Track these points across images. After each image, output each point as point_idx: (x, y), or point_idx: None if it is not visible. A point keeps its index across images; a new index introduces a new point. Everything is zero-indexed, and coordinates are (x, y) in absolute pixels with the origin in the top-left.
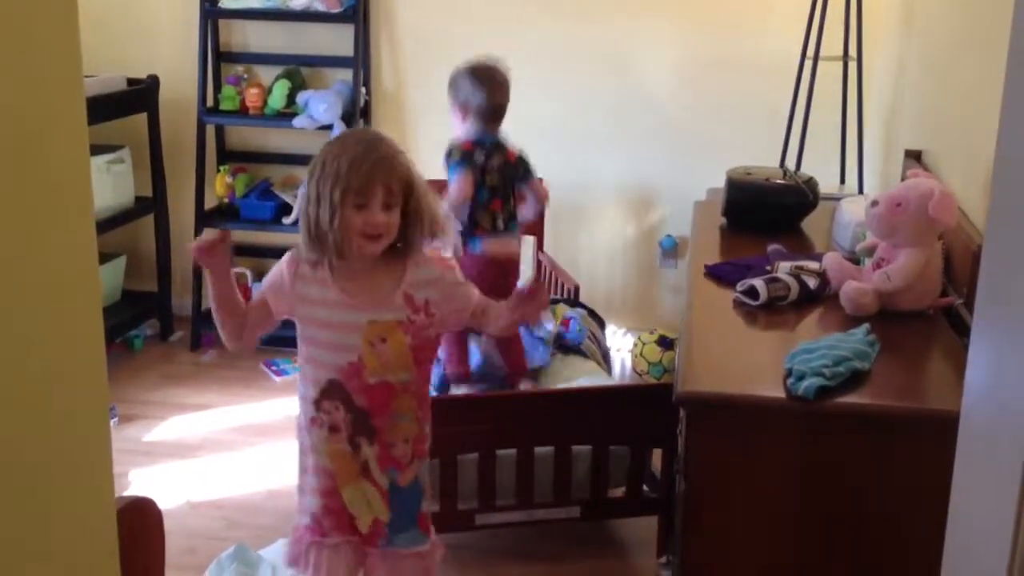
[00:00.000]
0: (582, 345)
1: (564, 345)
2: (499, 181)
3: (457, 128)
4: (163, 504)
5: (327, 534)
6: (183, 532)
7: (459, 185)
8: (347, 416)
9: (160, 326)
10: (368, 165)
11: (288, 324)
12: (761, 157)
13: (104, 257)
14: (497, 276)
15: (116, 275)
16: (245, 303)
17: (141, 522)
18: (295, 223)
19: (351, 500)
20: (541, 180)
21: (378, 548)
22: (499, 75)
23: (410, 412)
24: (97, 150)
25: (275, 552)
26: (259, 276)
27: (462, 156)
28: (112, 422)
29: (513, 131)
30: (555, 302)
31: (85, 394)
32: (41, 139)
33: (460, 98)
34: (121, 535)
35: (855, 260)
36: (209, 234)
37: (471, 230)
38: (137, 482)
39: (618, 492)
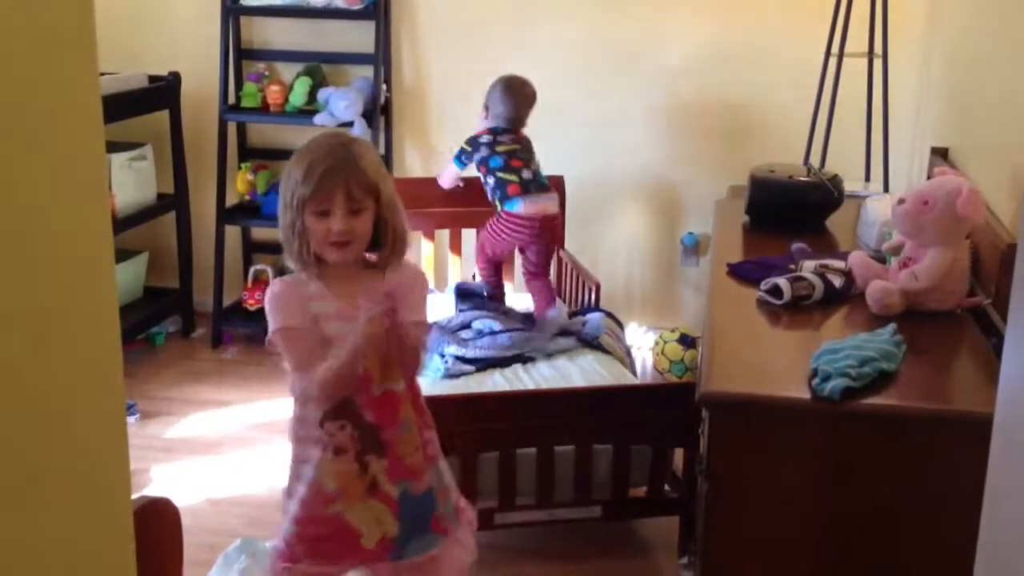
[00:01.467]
0: (600, 338)
1: (581, 339)
2: (513, 147)
3: (480, 122)
4: (183, 501)
5: (301, 560)
6: (203, 529)
7: (445, 175)
8: (355, 433)
9: (182, 323)
10: (324, 170)
11: None
12: (785, 154)
13: (126, 254)
14: (539, 233)
15: (138, 272)
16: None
17: (158, 523)
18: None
19: (360, 519)
20: None
21: (388, 562)
22: (528, 91)
23: (412, 421)
24: (119, 147)
25: None
26: (279, 272)
27: (461, 152)
28: (133, 419)
29: (535, 127)
30: (572, 314)
31: (101, 393)
32: (55, 136)
33: (488, 100)
34: (138, 536)
35: (881, 259)
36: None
37: (504, 193)
38: (158, 479)
39: (639, 492)
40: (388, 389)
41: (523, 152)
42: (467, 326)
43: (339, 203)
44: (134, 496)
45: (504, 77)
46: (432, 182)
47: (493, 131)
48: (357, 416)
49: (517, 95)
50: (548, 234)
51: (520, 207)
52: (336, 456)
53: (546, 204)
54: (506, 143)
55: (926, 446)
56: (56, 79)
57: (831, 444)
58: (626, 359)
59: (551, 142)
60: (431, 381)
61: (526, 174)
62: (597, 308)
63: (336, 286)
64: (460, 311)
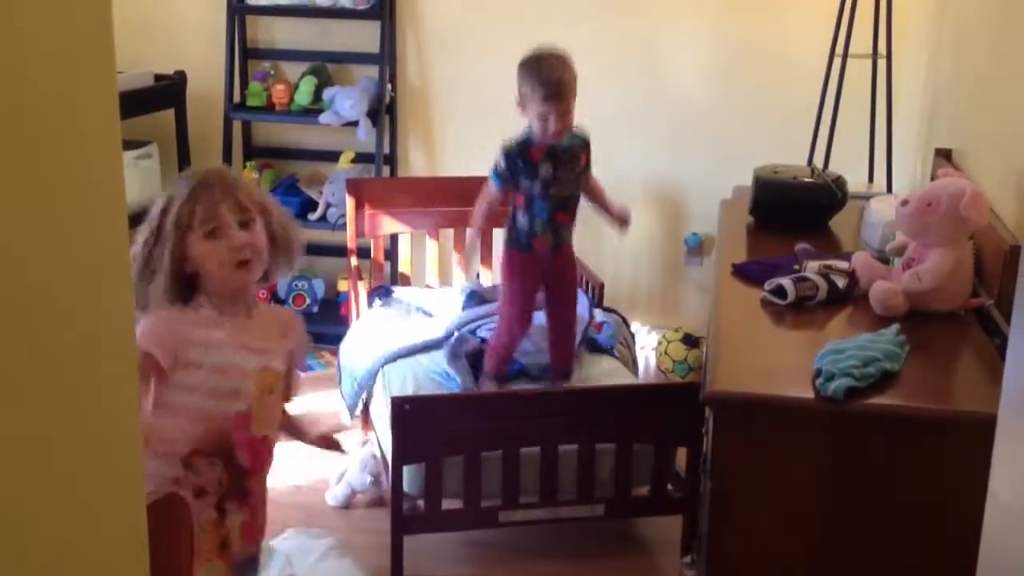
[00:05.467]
0: (614, 349)
1: (595, 347)
2: None
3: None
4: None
5: None
6: None
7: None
8: (223, 475)
9: None
10: (204, 189)
11: (311, 320)
12: (789, 155)
13: None
14: None
15: None
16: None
17: (169, 517)
18: (320, 219)
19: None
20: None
21: None
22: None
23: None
24: (124, 145)
25: (287, 542)
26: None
27: None
28: None
29: None
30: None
31: (115, 388)
32: (74, 134)
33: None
34: (150, 530)
35: (884, 260)
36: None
37: None
38: None
39: (642, 491)
40: (266, 434)
41: None
42: (473, 332)
43: (227, 216)
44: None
45: None
46: (435, 181)
47: None
48: (230, 456)
49: None
50: None
51: None
52: (195, 499)
53: None
54: None
55: (929, 446)
56: (74, 79)
57: (834, 444)
58: (631, 363)
59: None
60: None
61: None
62: (611, 309)
63: (230, 317)
64: (468, 308)
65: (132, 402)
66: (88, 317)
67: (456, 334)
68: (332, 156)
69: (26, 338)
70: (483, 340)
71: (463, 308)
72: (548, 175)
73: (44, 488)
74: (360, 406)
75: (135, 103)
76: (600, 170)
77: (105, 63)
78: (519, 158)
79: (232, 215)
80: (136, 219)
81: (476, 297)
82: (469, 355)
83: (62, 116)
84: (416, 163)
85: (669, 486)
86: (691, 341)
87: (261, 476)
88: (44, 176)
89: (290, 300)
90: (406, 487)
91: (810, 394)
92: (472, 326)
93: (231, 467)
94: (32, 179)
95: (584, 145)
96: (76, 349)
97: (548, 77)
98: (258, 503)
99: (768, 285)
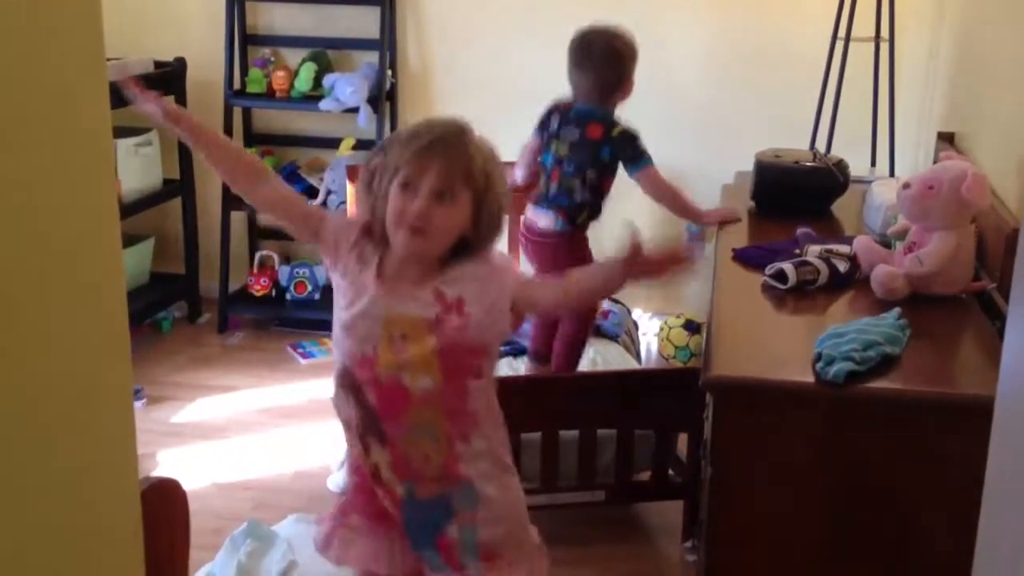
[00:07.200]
0: (619, 339)
1: (602, 334)
2: (568, 153)
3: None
4: (190, 485)
5: (350, 514)
6: (210, 513)
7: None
8: (358, 412)
9: (188, 308)
10: (427, 140)
11: (312, 307)
12: (791, 139)
13: (132, 239)
14: (529, 249)
15: (144, 257)
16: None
17: (165, 503)
18: (321, 206)
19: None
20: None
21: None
22: (578, 43)
23: (432, 428)
24: (125, 133)
25: (289, 527)
26: (286, 259)
27: (539, 120)
28: (139, 404)
29: (532, 113)
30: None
31: (108, 374)
32: (64, 120)
33: None
34: (145, 516)
35: (886, 244)
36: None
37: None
38: (164, 463)
39: (643, 476)
40: (397, 379)
41: (573, 158)
42: None
43: (429, 180)
44: (140, 478)
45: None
46: None
47: (562, 109)
48: (359, 394)
49: (570, 52)
50: (538, 254)
51: (527, 212)
52: (346, 429)
53: (539, 216)
54: (567, 136)
55: (930, 429)
56: (63, 65)
57: (835, 428)
58: (635, 353)
59: None
60: None
61: (553, 188)
62: (616, 300)
63: (388, 262)
64: None
65: (126, 390)
66: (80, 305)
67: None
68: (333, 143)
69: (17, 323)
70: None
71: None
72: None
73: (39, 477)
74: None
75: None
76: None
77: (94, 49)
78: None
79: (434, 181)
80: (138, 206)
81: None
82: None
83: (52, 103)
84: None
85: (670, 471)
86: (693, 327)
87: (399, 426)
88: (34, 165)
89: (292, 287)
90: None
91: (810, 378)
92: None
93: (363, 406)
94: (23, 167)
95: None
96: (68, 335)
97: None
98: (407, 451)
99: (769, 270)
